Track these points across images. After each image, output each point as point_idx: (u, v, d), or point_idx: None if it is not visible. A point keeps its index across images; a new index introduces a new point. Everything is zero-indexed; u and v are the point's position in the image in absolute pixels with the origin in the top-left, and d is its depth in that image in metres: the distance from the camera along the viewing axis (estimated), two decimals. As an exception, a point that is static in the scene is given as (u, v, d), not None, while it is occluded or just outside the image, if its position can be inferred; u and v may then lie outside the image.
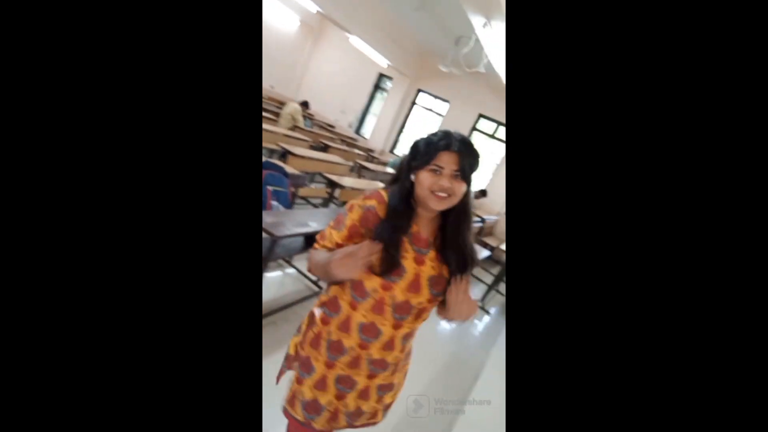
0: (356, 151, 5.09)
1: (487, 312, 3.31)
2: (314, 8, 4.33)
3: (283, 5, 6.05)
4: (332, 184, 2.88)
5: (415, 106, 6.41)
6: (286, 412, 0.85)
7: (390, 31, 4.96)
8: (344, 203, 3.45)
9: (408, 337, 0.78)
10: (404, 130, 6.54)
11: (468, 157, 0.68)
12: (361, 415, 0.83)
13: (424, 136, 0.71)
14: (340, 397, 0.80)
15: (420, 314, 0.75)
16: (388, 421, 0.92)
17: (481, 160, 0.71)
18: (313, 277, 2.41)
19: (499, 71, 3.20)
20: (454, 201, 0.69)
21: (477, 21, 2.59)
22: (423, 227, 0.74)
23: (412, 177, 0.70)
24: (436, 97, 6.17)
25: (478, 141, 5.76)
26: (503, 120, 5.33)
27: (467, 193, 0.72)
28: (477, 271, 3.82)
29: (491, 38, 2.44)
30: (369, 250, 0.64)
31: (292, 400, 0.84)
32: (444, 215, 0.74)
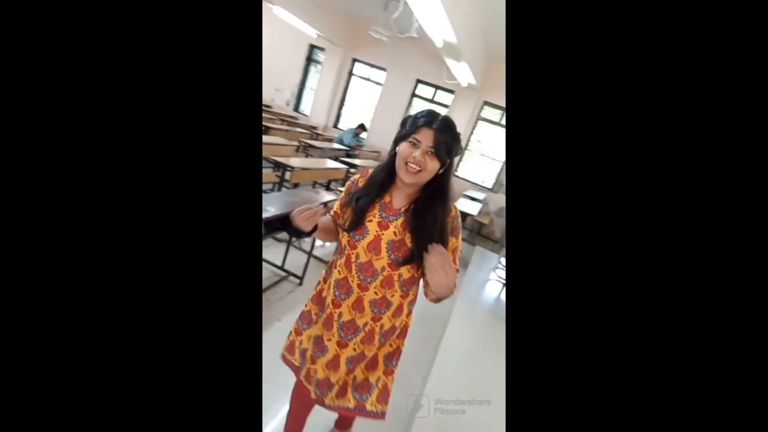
0: (298, 129, 4.93)
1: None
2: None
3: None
4: (281, 167, 2.80)
5: (352, 77, 6.26)
6: (284, 359, 0.97)
7: (315, -2, 4.70)
8: (296, 185, 3.39)
9: (378, 305, 0.83)
10: (345, 102, 6.40)
11: (444, 136, 0.74)
12: (330, 387, 0.88)
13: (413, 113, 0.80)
14: (313, 360, 0.90)
15: (387, 283, 0.81)
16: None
17: (460, 145, 0.78)
18: (278, 263, 2.40)
19: (431, 35, 3.22)
20: (424, 176, 0.76)
21: (403, -16, 2.56)
22: (397, 198, 0.83)
23: (397, 149, 0.78)
24: (372, 65, 6.07)
25: (418, 107, 5.82)
26: (440, 83, 5.41)
27: (446, 176, 0.80)
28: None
29: (420, 2, 2.44)
30: (314, 210, 0.77)
31: (290, 347, 0.96)
32: (421, 191, 0.81)
